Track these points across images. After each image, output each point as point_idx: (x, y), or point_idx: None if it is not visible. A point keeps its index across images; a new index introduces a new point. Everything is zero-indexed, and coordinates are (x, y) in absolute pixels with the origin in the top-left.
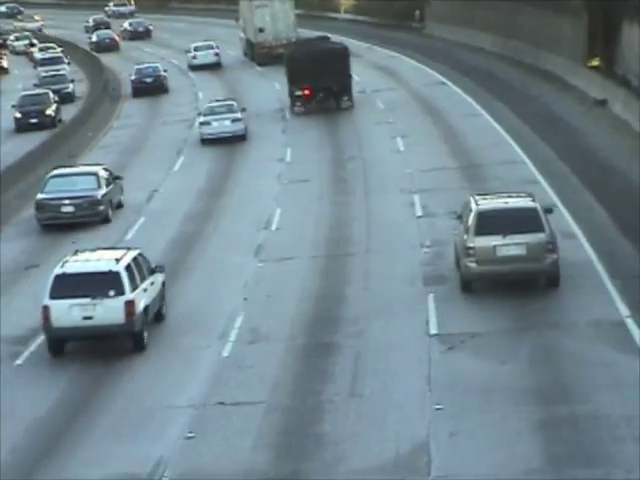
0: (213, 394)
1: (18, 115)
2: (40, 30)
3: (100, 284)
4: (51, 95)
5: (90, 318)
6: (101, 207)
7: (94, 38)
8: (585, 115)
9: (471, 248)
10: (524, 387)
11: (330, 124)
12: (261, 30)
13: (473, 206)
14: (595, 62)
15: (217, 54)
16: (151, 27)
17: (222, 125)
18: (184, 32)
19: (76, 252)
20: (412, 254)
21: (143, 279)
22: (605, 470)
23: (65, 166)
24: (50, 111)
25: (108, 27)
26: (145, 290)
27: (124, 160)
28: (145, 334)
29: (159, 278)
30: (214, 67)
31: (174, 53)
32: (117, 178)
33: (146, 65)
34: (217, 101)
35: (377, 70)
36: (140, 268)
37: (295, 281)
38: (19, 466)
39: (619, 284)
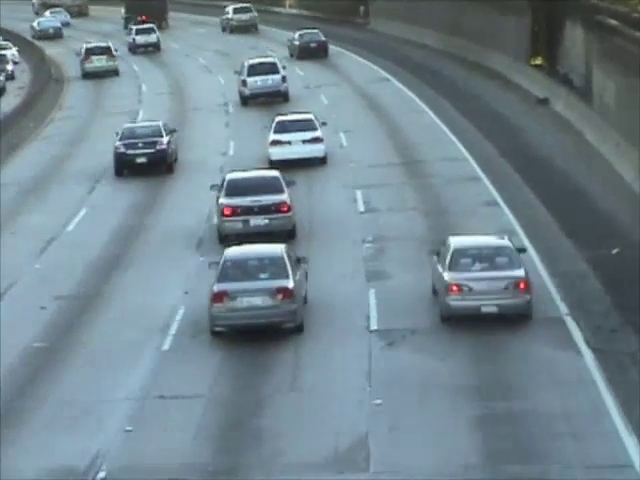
0: (153, 388)
1: None
2: None
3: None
4: None
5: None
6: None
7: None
8: (527, 113)
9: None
10: (463, 383)
11: (272, 118)
12: None
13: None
14: (538, 61)
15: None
16: None
17: None
18: None
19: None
20: (354, 249)
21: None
22: (543, 466)
23: None
24: None
25: None
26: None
27: (66, 151)
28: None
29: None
30: None
31: None
32: None
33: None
34: None
35: (321, 65)
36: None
37: None
38: None
39: (559, 282)
